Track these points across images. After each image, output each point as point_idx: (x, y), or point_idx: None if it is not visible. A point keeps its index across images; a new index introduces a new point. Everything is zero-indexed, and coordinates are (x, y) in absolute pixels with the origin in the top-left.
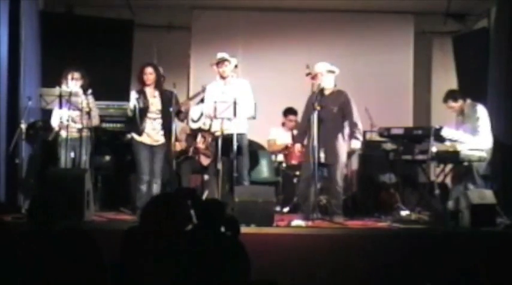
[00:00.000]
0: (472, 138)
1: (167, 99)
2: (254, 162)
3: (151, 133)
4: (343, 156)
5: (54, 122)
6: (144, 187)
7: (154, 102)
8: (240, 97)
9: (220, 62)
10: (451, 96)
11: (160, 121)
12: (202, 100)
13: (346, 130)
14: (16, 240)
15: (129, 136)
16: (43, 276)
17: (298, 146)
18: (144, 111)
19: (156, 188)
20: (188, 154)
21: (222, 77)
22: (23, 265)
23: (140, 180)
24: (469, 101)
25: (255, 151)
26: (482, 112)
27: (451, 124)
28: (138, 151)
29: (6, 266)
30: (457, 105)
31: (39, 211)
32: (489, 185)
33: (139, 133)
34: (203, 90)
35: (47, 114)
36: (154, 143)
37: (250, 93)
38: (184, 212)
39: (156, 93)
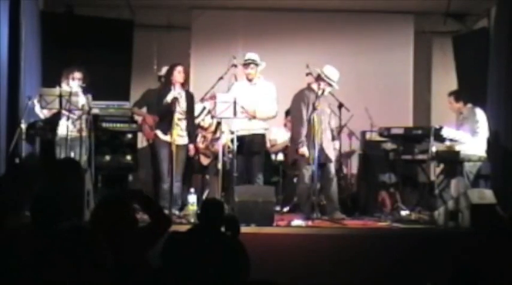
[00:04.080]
0: (471, 139)
1: (191, 99)
2: None
3: (175, 133)
4: (333, 155)
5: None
6: (166, 186)
7: (181, 102)
8: (264, 98)
9: (247, 64)
10: (455, 94)
11: (184, 122)
12: (202, 98)
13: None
14: (17, 240)
15: (129, 135)
16: (46, 275)
17: (305, 150)
18: (171, 110)
19: (176, 189)
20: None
21: (248, 79)
22: (25, 264)
23: (162, 180)
24: (469, 105)
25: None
26: (481, 115)
27: (451, 124)
28: (160, 150)
29: (8, 265)
30: (455, 105)
31: (42, 210)
32: (484, 185)
33: (166, 132)
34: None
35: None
36: (176, 143)
37: (274, 95)
38: (131, 214)
39: (183, 93)
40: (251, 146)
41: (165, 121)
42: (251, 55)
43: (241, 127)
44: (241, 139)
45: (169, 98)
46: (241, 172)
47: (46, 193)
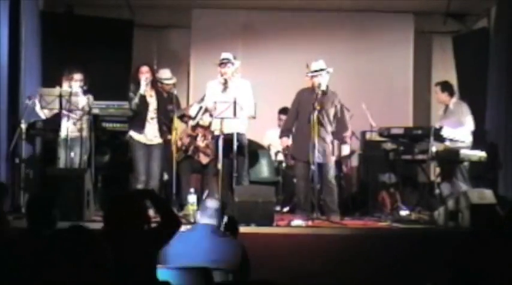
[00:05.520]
0: (464, 133)
1: (164, 98)
2: (254, 162)
3: (148, 132)
4: (333, 156)
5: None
6: (140, 187)
7: (151, 102)
8: (240, 97)
9: (223, 63)
10: (441, 85)
11: (156, 120)
12: (202, 99)
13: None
14: (16, 240)
15: (128, 135)
16: (46, 275)
17: (284, 140)
18: (142, 110)
19: (156, 188)
20: (188, 153)
21: (224, 78)
22: (25, 265)
23: (137, 180)
24: (455, 99)
25: (255, 150)
26: (467, 108)
27: (451, 123)
28: (135, 151)
29: (6, 265)
30: (440, 95)
31: (37, 211)
32: (483, 185)
33: (140, 132)
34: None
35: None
36: (150, 143)
37: (250, 93)
38: (143, 213)
39: (153, 93)
40: (233, 147)
41: (137, 121)
42: (226, 55)
43: (224, 126)
44: (227, 139)
45: (137, 99)
46: (227, 173)
47: (42, 193)
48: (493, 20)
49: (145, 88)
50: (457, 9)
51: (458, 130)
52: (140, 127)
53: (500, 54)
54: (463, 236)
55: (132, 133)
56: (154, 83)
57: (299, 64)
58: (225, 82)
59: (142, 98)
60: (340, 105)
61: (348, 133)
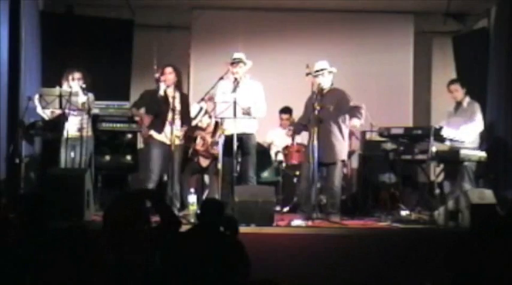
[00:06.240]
0: (468, 131)
1: (185, 100)
2: None
3: (169, 132)
4: (341, 156)
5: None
6: (152, 186)
7: (175, 103)
8: (251, 98)
9: (235, 62)
10: (460, 81)
11: (179, 122)
12: (202, 99)
13: (345, 130)
14: (15, 239)
15: (129, 135)
16: (45, 275)
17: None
18: (164, 110)
19: (176, 188)
20: (187, 156)
21: (235, 78)
22: (25, 264)
23: (149, 179)
24: (468, 98)
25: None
26: (479, 109)
27: (451, 124)
28: (153, 150)
29: (7, 265)
30: (461, 91)
31: (26, 209)
32: (483, 185)
33: (160, 131)
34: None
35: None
36: (170, 142)
37: (262, 95)
38: (144, 213)
39: (177, 94)
40: (243, 147)
41: (159, 121)
42: (238, 55)
43: (232, 126)
44: (232, 139)
45: (159, 96)
46: (230, 173)
47: (32, 192)
48: (493, 20)
49: (165, 89)
50: (457, 9)
51: (466, 126)
52: (161, 127)
53: (500, 54)
54: (463, 236)
55: (153, 133)
56: (179, 84)
57: (299, 64)
58: (236, 82)
59: (164, 99)
60: (341, 96)
61: (358, 111)
